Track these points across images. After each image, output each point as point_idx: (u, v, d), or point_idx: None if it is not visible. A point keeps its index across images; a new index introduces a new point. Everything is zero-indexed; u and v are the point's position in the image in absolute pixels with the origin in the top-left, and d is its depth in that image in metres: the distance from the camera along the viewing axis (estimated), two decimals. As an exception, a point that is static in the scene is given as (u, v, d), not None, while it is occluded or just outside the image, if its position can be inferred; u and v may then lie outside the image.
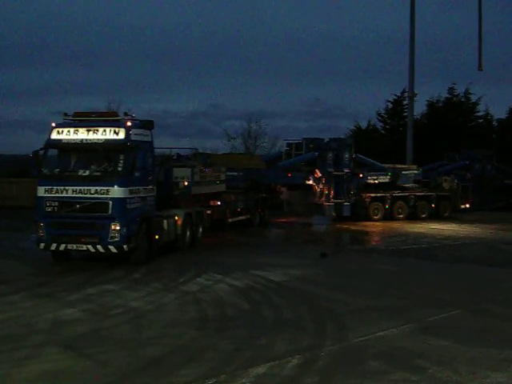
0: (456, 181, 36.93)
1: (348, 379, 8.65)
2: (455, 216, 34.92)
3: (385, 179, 33.78)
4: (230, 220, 25.78)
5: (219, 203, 24.69)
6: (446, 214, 34.86)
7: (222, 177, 25.07)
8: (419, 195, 34.28)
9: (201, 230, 22.29)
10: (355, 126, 54.59)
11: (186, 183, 21.41)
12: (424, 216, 33.81)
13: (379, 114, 54.92)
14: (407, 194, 33.81)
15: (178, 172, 21.43)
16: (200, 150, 28.87)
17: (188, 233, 21.07)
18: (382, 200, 32.78)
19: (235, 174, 27.28)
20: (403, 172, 35.01)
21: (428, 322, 11.96)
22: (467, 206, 37.77)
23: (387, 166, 34.95)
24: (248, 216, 27.75)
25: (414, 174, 35.67)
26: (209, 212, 23.48)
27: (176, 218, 20.15)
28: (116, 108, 42.52)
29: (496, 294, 14.75)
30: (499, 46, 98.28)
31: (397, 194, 33.39)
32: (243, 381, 8.47)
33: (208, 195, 23.82)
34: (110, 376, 8.69)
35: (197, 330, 11.13)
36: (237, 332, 11.04)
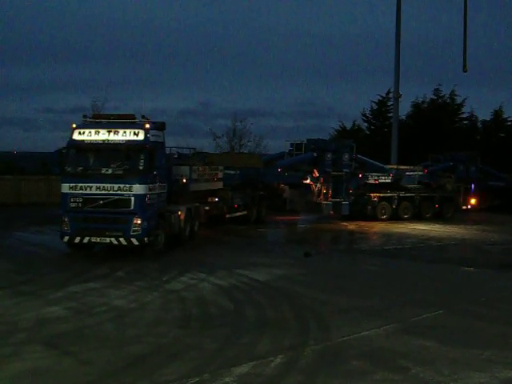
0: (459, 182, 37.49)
1: (331, 379, 8.67)
2: (452, 217, 35.07)
3: (386, 180, 34.06)
4: (227, 216, 26.67)
5: (217, 200, 25.53)
6: (449, 215, 35.13)
7: (220, 175, 25.90)
8: (424, 196, 34.55)
9: (197, 224, 23.35)
10: (340, 127, 54.61)
11: (185, 180, 22.37)
12: (428, 216, 34.07)
13: (364, 115, 55.05)
14: (413, 194, 34.08)
15: (177, 170, 22.45)
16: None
17: (188, 227, 22.15)
18: (389, 200, 33.05)
19: (232, 172, 28.02)
20: (407, 173, 35.38)
21: (411, 322, 11.99)
22: (469, 206, 38.22)
23: (390, 166, 35.21)
24: (245, 212, 28.44)
25: (419, 175, 36.05)
26: (207, 208, 24.49)
27: (179, 212, 21.22)
28: (101, 105, 42.71)
29: (478, 295, 14.80)
30: (485, 48, 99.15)
31: (403, 194, 33.66)
32: (226, 380, 8.48)
33: (206, 192, 24.57)
34: (92, 374, 8.69)
35: (180, 328, 11.15)
36: (220, 331, 11.05)
